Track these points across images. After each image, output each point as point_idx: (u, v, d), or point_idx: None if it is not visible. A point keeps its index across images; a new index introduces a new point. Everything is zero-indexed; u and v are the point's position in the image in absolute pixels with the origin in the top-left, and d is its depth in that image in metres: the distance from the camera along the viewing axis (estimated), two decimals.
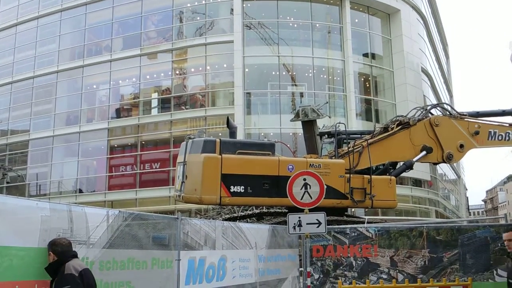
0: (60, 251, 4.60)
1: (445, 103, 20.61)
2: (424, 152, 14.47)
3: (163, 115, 34.93)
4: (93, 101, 37.92)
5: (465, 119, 15.08)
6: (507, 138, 15.13)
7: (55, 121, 37.42)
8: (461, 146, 14.73)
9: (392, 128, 14.63)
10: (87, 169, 37.20)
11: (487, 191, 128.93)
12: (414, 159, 14.53)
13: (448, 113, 15.37)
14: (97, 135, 35.87)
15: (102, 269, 5.43)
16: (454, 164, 55.62)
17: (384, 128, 14.95)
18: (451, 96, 61.92)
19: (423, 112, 15.18)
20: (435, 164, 17.53)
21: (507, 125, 15.34)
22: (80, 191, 35.95)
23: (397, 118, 15.18)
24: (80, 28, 38.15)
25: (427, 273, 9.08)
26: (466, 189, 75.85)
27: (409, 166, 14.69)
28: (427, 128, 14.59)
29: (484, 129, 15.04)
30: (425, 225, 9.83)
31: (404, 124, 14.56)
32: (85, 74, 37.08)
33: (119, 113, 36.70)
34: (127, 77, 37.15)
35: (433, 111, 15.77)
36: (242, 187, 12.15)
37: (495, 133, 15.15)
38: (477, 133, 14.84)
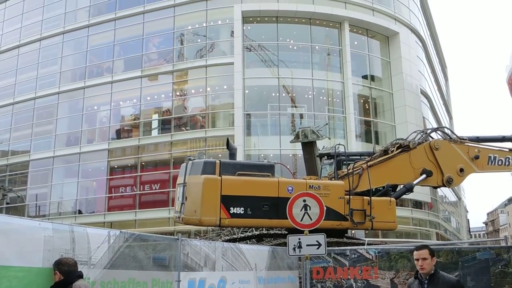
0: (67, 271, 4.65)
1: (445, 127, 20.77)
2: (424, 176, 14.52)
3: (163, 136, 35.02)
4: (94, 122, 38.05)
5: (465, 144, 15.16)
6: (507, 163, 15.19)
7: (55, 142, 37.50)
8: (461, 170, 14.78)
9: (392, 151, 14.71)
10: (86, 190, 37.15)
11: (488, 213, 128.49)
12: (414, 182, 14.57)
13: (448, 137, 15.47)
14: (97, 156, 35.90)
15: None
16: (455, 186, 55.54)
17: (384, 151, 15.03)
18: (450, 118, 62.17)
19: (423, 135, 15.29)
20: (435, 188, 17.60)
21: (507, 150, 15.42)
22: (80, 212, 35.83)
23: (397, 141, 15.27)
24: (82, 50, 38.52)
25: None
26: (467, 211, 75.60)
27: (409, 189, 14.72)
28: (427, 152, 14.66)
29: (484, 153, 15.11)
30: None
31: (404, 147, 14.64)
32: (86, 96, 37.30)
33: (120, 134, 36.81)
34: (127, 98, 37.36)
35: (433, 134, 15.88)
36: (242, 208, 12.15)
37: (495, 158, 15.22)
38: (477, 157, 14.90)
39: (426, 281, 5.32)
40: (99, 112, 38.08)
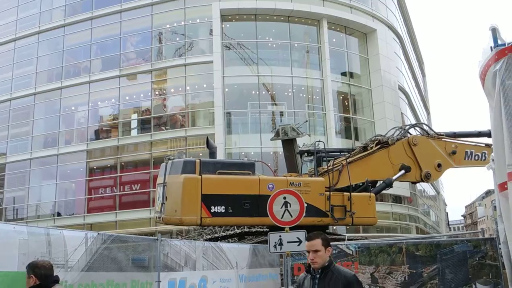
0: (43, 274, 4.31)
1: (423, 123, 21.03)
2: (402, 171, 14.70)
3: (142, 136, 34.74)
4: (72, 123, 37.53)
5: (443, 139, 15.40)
6: (483, 158, 15.43)
7: (32, 144, 36.92)
8: (439, 165, 15.00)
9: (372, 147, 14.85)
10: (65, 192, 36.66)
11: (466, 206, 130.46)
12: (393, 178, 14.74)
13: (426, 133, 15.67)
14: (75, 157, 35.44)
15: None
16: None
17: (364, 147, 15.17)
18: (428, 113, 62.92)
19: (402, 131, 15.46)
20: (414, 183, 17.83)
21: (483, 145, 15.68)
22: (59, 214, 35.35)
23: (376, 137, 15.43)
24: (58, 50, 37.95)
25: None
26: (446, 205, 76.65)
27: (388, 184, 14.89)
28: (406, 148, 14.84)
29: (461, 149, 15.36)
30: (404, 241, 9.93)
31: (383, 144, 14.81)
32: (63, 96, 36.79)
33: (98, 134, 36.39)
34: (106, 98, 36.95)
35: (411, 131, 16.05)
36: (223, 207, 12.14)
37: (471, 153, 15.47)
38: (454, 153, 15.14)
39: (318, 276, 4.55)
40: (76, 113, 37.58)
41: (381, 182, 15.10)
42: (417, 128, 16.55)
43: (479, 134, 16.19)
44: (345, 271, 4.57)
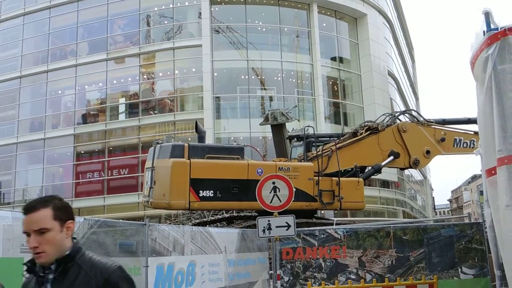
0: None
1: (413, 110, 21.12)
2: (391, 157, 14.76)
3: (131, 120, 34.50)
4: (58, 106, 37.13)
5: (432, 126, 15.48)
6: (471, 146, 15.52)
7: (18, 128, 36.50)
8: (428, 152, 15.07)
9: (361, 133, 14.88)
10: (53, 176, 36.42)
11: (452, 191, 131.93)
12: (382, 164, 14.79)
13: (415, 119, 15.71)
14: (62, 141, 35.14)
15: None
16: None
17: (353, 133, 15.19)
18: (417, 99, 63.14)
19: (392, 118, 15.48)
20: (402, 169, 17.94)
21: (472, 133, 15.76)
22: None
23: (366, 123, 15.47)
24: (44, 32, 37.33)
25: (394, 272, 9.22)
26: (432, 190, 77.37)
27: (377, 170, 14.96)
28: (395, 134, 14.88)
29: (450, 136, 15.44)
30: (391, 225, 9.99)
31: (372, 130, 14.85)
32: (49, 79, 36.30)
33: (86, 118, 36.06)
34: (93, 82, 36.54)
35: (401, 117, 16.09)
36: (211, 191, 12.13)
37: (460, 140, 15.56)
38: (443, 140, 15.22)
39: (51, 275, 2.56)
40: (63, 97, 37.14)
41: (370, 167, 15.18)
42: (406, 115, 16.60)
43: (469, 121, 16.27)
44: (102, 264, 2.57)
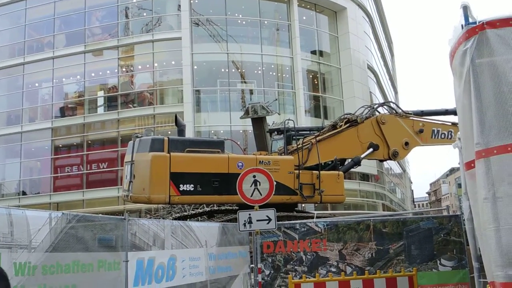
0: None
1: (391, 102, 21.27)
2: (371, 149, 14.86)
3: (109, 113, 34.14)
4: (36, 99, 36.52)
5: (410, 118, 15.62)
6: (449, 137, 15.71)
7: None
8: (406, 143, 15.22)
9: (341, 126, 14.92)
10: (30, 170, 35.87)
11: (431, 184, 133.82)
12: (362, 156, 14.89)
13: (394, 111, 15.84)
14: (40, 135, 34.62)
15: (46, 273, 5.25)
16: None
17: (333, 126, 15.23)
18: (396, 92, 63.71)
19: (371, 110, 15.58)
20: (381, 161, 18.10)
21: (450, 124, 15.96)
22: (24, 193, 34.61)
23: (345, 116, 15.53)
24: (20, 24, 36.63)
25: (374, 265, 9.30)
26: (411, 182, 78.45)
27: (357, 163, 15.04)
28: (374, 126, 14.98)
29: (428, 127, 15.60)
30: (371, 218, 10.06)
31: (352, 122, 14.91)
32: (26, 72, 35.68)
33: (64, 112, 35.57)
34: (71, 75, 36.00)
35: (380, 109, 16.20)
36: (192, 185, 12.06)
37: (438, 131, 15.74)
38: (421, 131, 15.37)
39: None
40: (40, 89, 36.55)
41: (350, 160, 15.26)
42: (385, 107, 16.73)
43: (446, 112, 16.45)
44: None
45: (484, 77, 4.42)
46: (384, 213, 31.65)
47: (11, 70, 36.23)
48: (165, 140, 12.19)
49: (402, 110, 15.97)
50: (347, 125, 14.88)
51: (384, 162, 41.79)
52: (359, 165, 15.33)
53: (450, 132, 15.73)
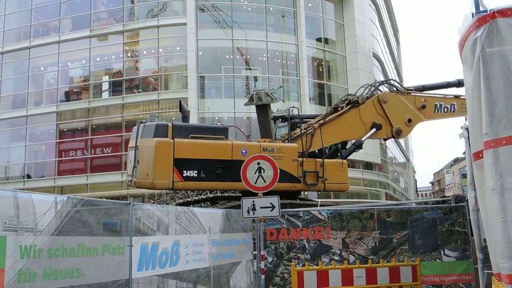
0: None
1: (392, 79, 20.83)
2: (374, 129, 14.63)
3: (114, 98, 34.15)
4: (41, 83, 36.57)
5: (412, 94, 15.27)
6: (452, 110, 15.43)
7: (0, 105, 35.97)
8: (409, 120, 14.98)
9: (342, 108, 14.73)
10: (35, 154, 36.01)
11: (434, 174, 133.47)
12: (364, 137, 14.65)
13: (395, 89, 15.58)
14: (45, 119, 34.72)
15: (51, 257, 5.28)
16: (404, 147, 57.29)
17: (334, 108, 15.02)
18: (401, 80, 63.35)
19: (371, 89, 15.30)
20: (385, 139, 17.83)
21: (452, 96, 15.64)
22: (29, 176, 34.81)
23: (346, 97, 15.27)
24: (26, 8, 36.59)
25: (378, 254, 9.30)
26: (415, 172, 78.29)
27: (358, 146, 14.86)
28: (376, 105, 14.73)
29: (430, 102, 15.28)
30: (375, 207, 10.03)
31: (353, 103, 14.68)
32: (31, 56, 35.71)
33: (69, 96, 35.62)
34: (76, 59, 36.00)
35: (381, 88, 15.93)
36: (195, 171, 12.06)
37: (441, 105, 15.42)
38: (423, 107, 15.09)
39: None
40: (46, 73, 36.58)
41: (351, 144, 15.10)
42: (386, 85, 16.46)
43: (448, 85, 16.12)
44: None
45: (494, 66, 4.36)
46: (388, 202, 31.65)
47: (17, 54, 36.27)
48: (169, 126, 12.18)
49: (403, 87, 15.73)
50: (349, 106, 14.66)
51: (388, 151, 41.83)
52: (361, 148, 15.10)
53: (453, 105, 15.42)
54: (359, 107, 14.60)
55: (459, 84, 15.77)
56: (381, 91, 15.48)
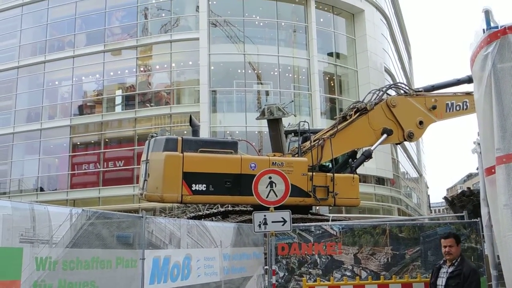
0: None
1: (399, 82, 20.33)
2: (385, 135, 14.27)
3: (127, 112, 34.46)
4: (55, 97, 37.06)
5: (421, 95, 14.88)
6: (464, 107, 14.93)
7: (15, 118, 36.47)
8: (421, 122, 14.57)
9: (351, 116, 14.56)
10: (48, 167, 36.35)
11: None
12: (375, 144, 14.32)
13: (403, 92, 15.14)
14: (59, 132, 35.09)
15: (66, 269, 5.32)
16: (416, 162, 56.90)
17: (343, 117, 14.83)
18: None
19: (379, 94, 14.93)
20: (398, 144, 17.47)
21: (463, 94, 15.16)
22: (41, 189, 35.10)
23: (354, 105, 15.03)
24: (42, 23, 37.26)
25: (390, 270, 9.21)
26: (428, 187, 77.66)
27: (367, 156, 14.62)
28: (385, 111, 14.38)
29: (441, 102, 14.82)
30: (388, 222, 9.96)
31: (361, 110, 14.43)
32: (46, 70, 36.25)
33: (82, 110, 36.03)
34: (90, 74, 36.47)
35: (389, 92, 15.59)
36: (204, 185, 12.07)
37: (452, 104, 14.92)
38: (434, 107, 14.62)
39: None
40: (60, 88, 37.10)
41: (360, 154, 14.90)
42: (394, 89, 16.06)
43: (458, 82, 15.60)
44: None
45: (505, 82, 4.38)
46: (400, 218, 31.34)
47: (33, 68, 36.82)
48: (179, 140, 12.25)
49: (412, 89, 15.44)
50: (357, 114, 14.34)
51: (400, 166, 41.57)
52: (371, 157, 14.82)
53: (465, 103, 14.88)
54: (368, 114, 14.24)
55: (469, 80, 15.02)
56: (389, 95, 15.08)
